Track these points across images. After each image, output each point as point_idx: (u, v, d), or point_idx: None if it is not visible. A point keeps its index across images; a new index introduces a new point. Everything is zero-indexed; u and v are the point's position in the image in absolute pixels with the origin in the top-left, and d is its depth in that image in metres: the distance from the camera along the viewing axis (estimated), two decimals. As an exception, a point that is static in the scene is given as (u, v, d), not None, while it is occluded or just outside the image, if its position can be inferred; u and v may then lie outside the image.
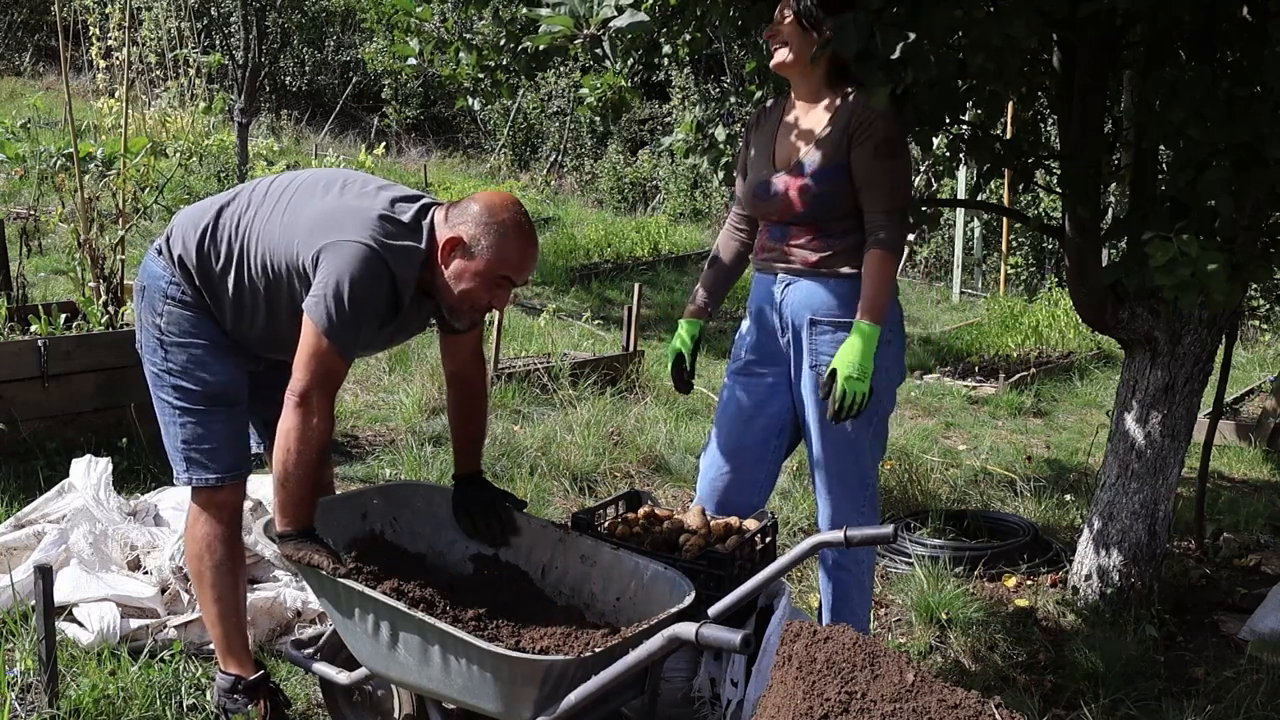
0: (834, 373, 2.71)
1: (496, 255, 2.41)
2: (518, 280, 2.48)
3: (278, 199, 2.57)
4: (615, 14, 3.05)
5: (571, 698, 2.08)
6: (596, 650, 2.13)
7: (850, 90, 2.82)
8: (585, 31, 3.11)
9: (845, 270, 2.86)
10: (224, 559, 2.68)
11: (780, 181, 2.87)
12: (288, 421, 2.34)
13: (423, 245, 2.45)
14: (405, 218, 2.46)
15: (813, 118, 2.88)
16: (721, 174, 3.80)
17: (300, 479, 2.34)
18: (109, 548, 3.39)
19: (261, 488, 3.51)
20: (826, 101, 2.86)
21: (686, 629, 1.97)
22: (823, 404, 2.86)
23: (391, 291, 2.43)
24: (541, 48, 3.37)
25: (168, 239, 2.66)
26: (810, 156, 2.83)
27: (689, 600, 2.32)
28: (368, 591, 2.21)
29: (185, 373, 2.63)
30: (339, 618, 2.35)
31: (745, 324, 3.07)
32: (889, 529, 2.28)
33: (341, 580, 2.25)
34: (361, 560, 2.33)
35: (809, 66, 2.83)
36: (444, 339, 2.73)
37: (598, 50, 3.15)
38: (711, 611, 2.33)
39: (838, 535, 2.29)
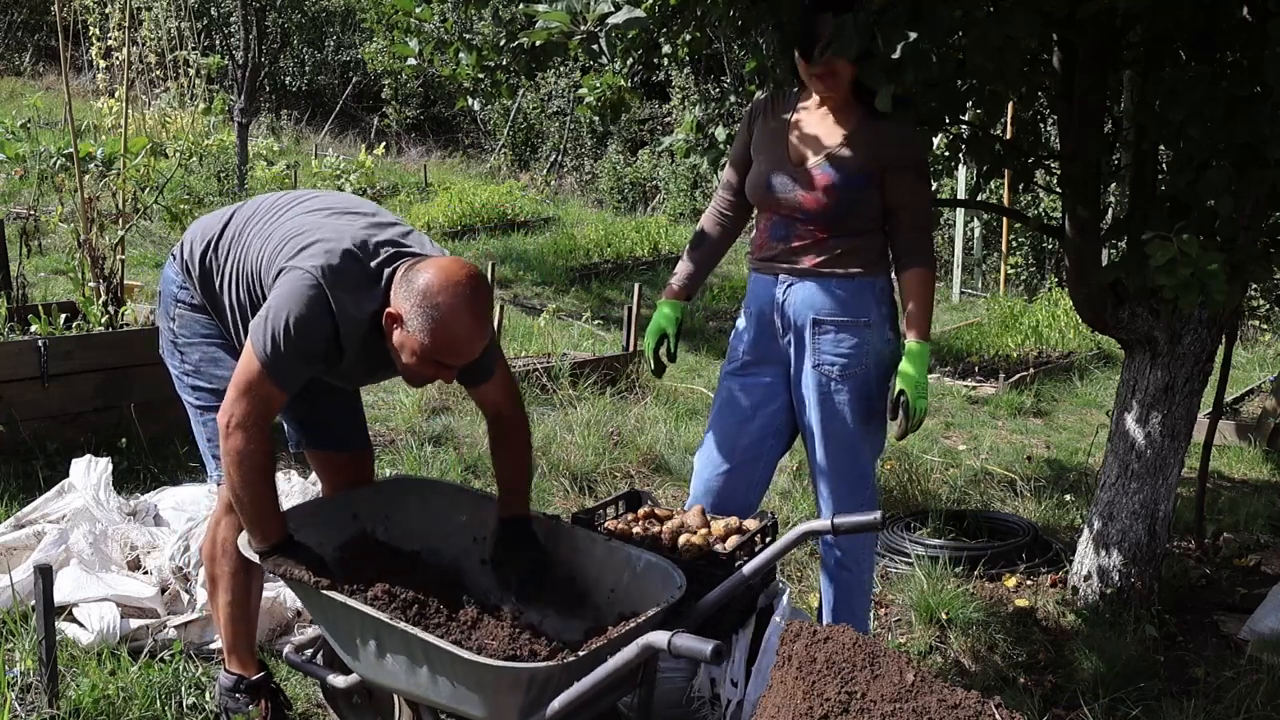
0: (901, 394, 2.79)
1: (430, 340, 2.27)
2: (455, 364, 2.35)
3: (275, 214, 2.56)
4: (612, 10, 3.05)
5: (557, 703, 2.09)
6: (580, 655, 2.13)
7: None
8: (582, 28, 3.11)
9: (849, 270, 2.87)
10: (240, 565, 2.65)
11: (795, 180, 2.87)
12: (223, 446, 2.33)
13: (378, 296, 2.36)
14: (373, 263, 2.37)
15: (835, 122, 2.87)
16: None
17: (255, 497, 2.33)
18: (109, 548, 3.39)
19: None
20: (849, 109, 2.86)
21: (660, 638, 1.97)
22: (822, 408, 2.89)
23: (333, 331, 2.34)
24: (538, 44, 3.36)
25: (181, 245, 2.69)
26: (831, 162, 2.84)
27: (680, 591, 2.32)
28: (350, 603, 2.21)
29: (199, 372, 2.64)
30: (327, 628, 2.35)
31: (742, 324, 3.06)
32: (876, 515, 2.29)
33: (325, 593, 2.24)
34: (352, 563, 2.33)
35: (845, 86, 2.84)
36: (469, 389, 2.62)
37: (594, 47, 3.14)
38: (701, 605, 2.34)
39: (824, 523, 2.30)
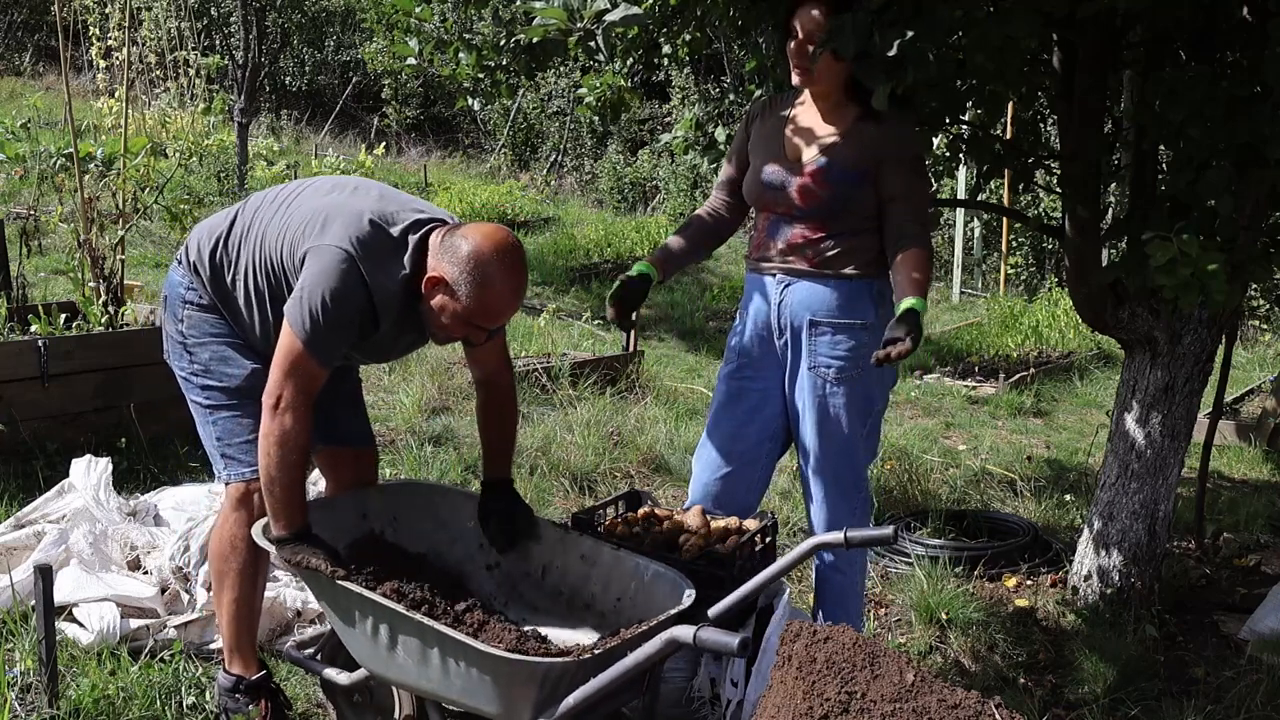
0: (910, 334, 2.56)
1: (475, 304, 2.36)
2: (490, 327, 2.45)
3: (283, 203, 2.58)
4: (609, 7, 3.04)
5: (570, 700, 2.08)
6: (596, 652, 2.13)
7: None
8: (579, 25, 3.11)
9: (847, 271, 2.86)
10: (248, 563, 2.66)
11: (789, 174, 2.86)
12: (265, 427, 2.35)
13: (406, 262, 2.42)
14: (395, 230, 2.43)
15: (829, 120, 2.87)
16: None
17: (286, 483, 2.34)
18: (109, 548, 3.39)
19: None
20: (844, 107, 2.86)
21: (685, 632, 1.97)
22: (817, 410, 2.90)
23: (368, 302, 2.40)
24: (535, 40, 3.36)
25: (186, 248, 2.70)
26: (825, 157, 2.83)
27: (689, 601, 2.32)
28: (367, 594, 2.21)
29: (209, 371, 2.65)
30: (338, 620, 2.35)
31: (739, 326, 3.05)
32: (889, 530, 2.27)
33: (341, 583, 2.25)
34: (361, 561, 2.33)
35: (831, 80, 2.83)
36: (466, 347, 2.68)
37: (591, 44, 3.14)
38: (711, 613, 2.33)
39: (838, 536, 2.29)
